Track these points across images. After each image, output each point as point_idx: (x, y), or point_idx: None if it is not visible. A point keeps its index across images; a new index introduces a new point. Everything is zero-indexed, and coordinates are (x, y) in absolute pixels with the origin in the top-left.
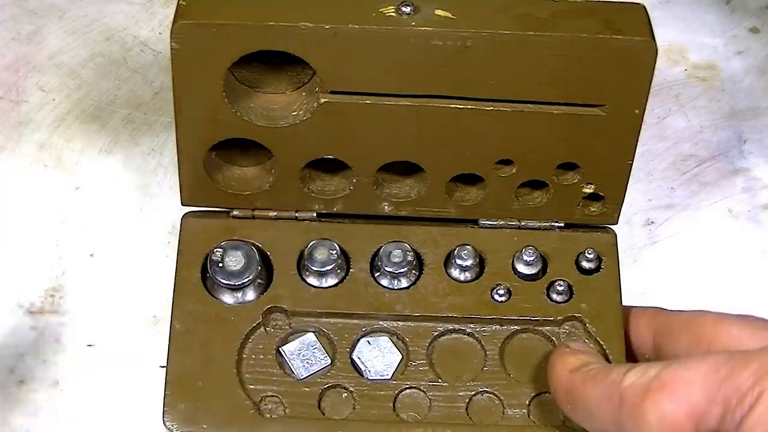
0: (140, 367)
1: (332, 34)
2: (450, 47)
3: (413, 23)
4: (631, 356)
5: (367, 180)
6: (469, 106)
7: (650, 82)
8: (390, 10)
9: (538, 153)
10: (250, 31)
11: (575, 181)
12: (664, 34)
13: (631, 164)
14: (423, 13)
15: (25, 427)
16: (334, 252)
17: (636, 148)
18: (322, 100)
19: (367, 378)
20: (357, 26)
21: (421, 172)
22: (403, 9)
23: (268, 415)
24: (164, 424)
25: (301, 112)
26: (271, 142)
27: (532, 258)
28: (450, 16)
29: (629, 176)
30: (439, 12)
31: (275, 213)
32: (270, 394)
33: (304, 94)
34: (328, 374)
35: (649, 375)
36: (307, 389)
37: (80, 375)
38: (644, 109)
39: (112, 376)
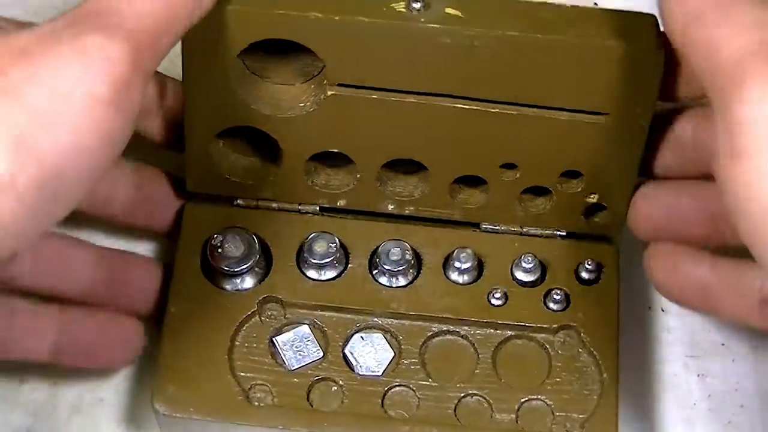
0: (140, 367)
1: (341, 25)
2: (458, 46)
3: (422, 20)
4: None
5: (371, 176)
6: (474, 107)
7: (657, 93)
8: (400, 6)
9: (542, 158)
10: (260, 19)
11: (579, 189)
12: None
13: (636, 176)
14: (433, 10)
15: (25, 427)
16: (334, 245)
17: (641, 159)
18: (330, 93)
19: (358, 373)
20: (366, 19)
21: (425, 171)
22: (414, 5)
23: (256, 403)
24: (152, 406)
25: (308, 103)
26: (277, 132)
27: (530, 265)
28: (460, 14)
29: (633, 188)
30: (449, 10)
31: (278, 204)
32: (260, 382)
33: (312, 85)
34: (319, 367)
35: None
36: (297, 380)
37: (81, 375)
38: (650, 121)
39: (112, 376)
